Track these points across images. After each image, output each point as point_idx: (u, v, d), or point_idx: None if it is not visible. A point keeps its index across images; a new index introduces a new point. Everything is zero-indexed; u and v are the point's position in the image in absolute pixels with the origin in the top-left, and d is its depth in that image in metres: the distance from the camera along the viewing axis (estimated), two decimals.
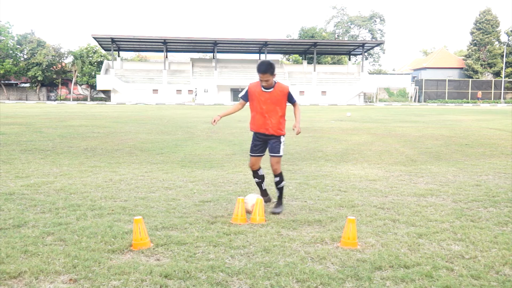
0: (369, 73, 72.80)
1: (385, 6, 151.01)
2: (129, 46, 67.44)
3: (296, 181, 7.09)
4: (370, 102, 65.95)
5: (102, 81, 59.59)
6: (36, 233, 4.34)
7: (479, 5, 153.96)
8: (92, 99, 65.34)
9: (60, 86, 66.30)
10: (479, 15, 71.69)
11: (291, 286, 3.27)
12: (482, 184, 6.90)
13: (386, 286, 3.28)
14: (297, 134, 5.37)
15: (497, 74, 71.35)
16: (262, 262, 3.70)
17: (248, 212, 5.00)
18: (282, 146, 5.38)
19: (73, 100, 63.86)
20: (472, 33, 72.38)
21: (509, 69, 70.01)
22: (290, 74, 65.31)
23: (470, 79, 69.34)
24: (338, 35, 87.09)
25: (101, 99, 65.07)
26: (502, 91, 67.25)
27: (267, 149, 5.46)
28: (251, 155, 5.50)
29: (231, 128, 16.86)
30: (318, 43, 64.15)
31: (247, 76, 63.38)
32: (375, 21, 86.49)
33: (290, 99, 5.32)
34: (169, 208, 5.40)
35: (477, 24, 71.42)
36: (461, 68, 73.93)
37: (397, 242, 4.21)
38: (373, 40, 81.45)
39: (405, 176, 7.62)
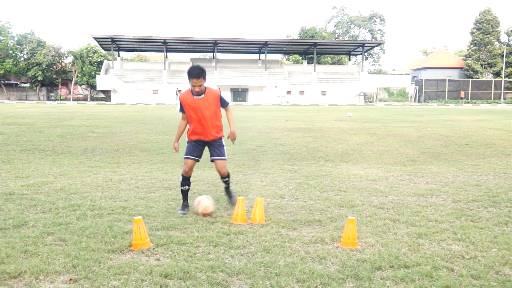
0: (369, 73, 72.80)
1: (385, 6, 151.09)
2: (129, 46, 67.44)
3: (296, 181, 7.09)
4: (370, 102, 65.94)
5: (102, 81, 59.59)
6: (36, 233, 4.34)
7: (479, 5, 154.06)
8: (92, 99, 65.34)
9: (60, 86, 66.30)
10: (479, 15, 71.70)
11: (291, 286, 3.27)
12: (482, 184, 6.90)
13: (386, 286, 3.28)
14: (233, 140, 5.36)
15: (497, 74, 71.36)
16: (262, 262, 3.70)
17: (206, 215, 4.95)
18: (225, 148, 5.35)
19: (73, 100, 63.87)
20: (472, 33, 72.40)
21: (509, 69, 70.01)
22: (290, 74, 65.30)
23: (470, 79, 69.33)
24: (338, 35, 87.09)
25: (101, 99, 65.08)
26: (502, 91, 67.25)
27: (210, 155, 5.33)
28: (188, 158, 5.20)
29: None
30: (318, 43, 64.15)
31: (247, 76, 63.41)
32: (375, 21, 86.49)
33: (222, 103, 5.21)
34: (169, 208, 5.40)
35: (477, 24, 71.44)
36: (461, 68, 73.94)
37: (397, 242, 4.21)
38: (373, 40, 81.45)
39: (405, 176, 7.62)
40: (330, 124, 20.06)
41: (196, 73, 4.90)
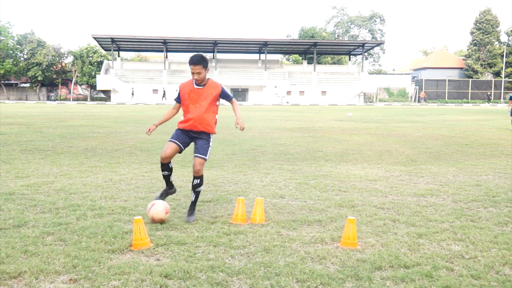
0: (369, 73, 72.80)
1: (385, 6, 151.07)
2: (129, 46, 67.44)
3: (296, 181, 7.09)
4: (370, 102, 65.94)
5: (102, 81, 59.59)
6: (36, 233, 4.33)
7: (479, 5, 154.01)
8: (92, 99, 65.33)
9: (60, 86, 66.30)
10: (479, 15, 71.70)
11: (291, 286, 3.27)
12: (482, 184, 6.90)
13: (386, 286, 3.28)
14: (242, 129, 5.14)
15: (497, 74, 71.35)
16: (262, 262, 3.70)
17: (155, 221, 4.66)
18: (209, 149, 5.13)
19: (73, 100, 63.85)
20: (472, 33, 72.40)
21: (509, 69, 70.00)
22: (290, 74, 65.30)
23: (470, 79, 69.34)
24: (338, 35, 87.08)
25: (101, 99, 65.07)
26: (502, 91, 67.23)
27: (194, 149, 5.11)
28: (172, 141, 5.02)
29: (231, 128, 16.85)
30: (318, 43, 64.14)
31: (247, 76, 63.41)
32: (375, 21, 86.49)
33: (226, 97, 5.12)
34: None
35: (477, 24, 71.43)
36: (461, 68, 73.94)
37: (397, 242, 4.21)
38: (373, 40, 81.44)
39: (405, 176, 7.62)
40: (330, 124, 20.06)
41: (196, 59, 4.84)
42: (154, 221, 4.69)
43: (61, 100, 64.32)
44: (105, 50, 66.71)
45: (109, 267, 3.55)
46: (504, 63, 69.07)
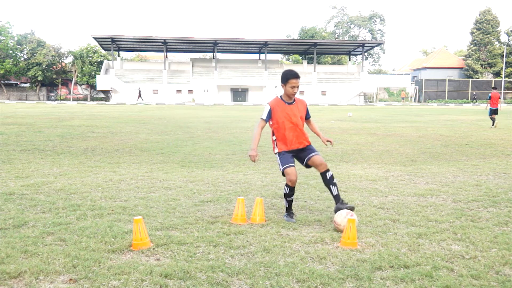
0: (369, 73, 72.81)
1: (385, 6, 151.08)
2: (129, 46, 67.45)
3: None
4: (370, 102, 65.94)
5: (102, 81, 59.59)
6: (36, 233, 4.33)
7: (479, 5, 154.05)
8: (92, 99, 65.33)
9: (60, 86, 66.31)
10: (479, 15, 71.70)
11: (291, 286, 3.27)
12: (482, 184, 6.90)
13: (386, 286, 3.27)
14: (332, 143, 5.24)
15: (497, 74, 71.35)
16: (262, 262, 3.70)
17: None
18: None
19: (73, 100, 63.85)
20: (472, 33, 72.40)
21: (509, 69, 70.01)
22: None
23: (470, 79, 69.35)
24: (338, 35, 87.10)
25: (100, 99, 65.06)
26: (502, 91, 67.23)
27: (303, 157, 5.04)
28: (289, 166, 4.84)
29: (231, 128, 16.86)
30: (318, 43, 64.15)
31: (247, 76, 63.42)
32: (375, 21, 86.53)
33: (307, 114, 5.15)
34: (169, 208, 5.40)
35: (477, 24, 71.43)
36: (461, 68, 73.94)
37: (397, 242, 4.21)
38: (373, 40, 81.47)
39: (405, 176, 7.62)
40: (330, 124, 20.06)
41: (295, 73, 4.87)
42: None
43: (61, 100, 64.32)
44: (105, 50, 66.71)
45: (109, 267, 3.55)
46: (504, 63, 69.07)
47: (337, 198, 4.90)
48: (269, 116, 4.96)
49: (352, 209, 4.71)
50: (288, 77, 4.85)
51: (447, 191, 6.44)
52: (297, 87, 4.90)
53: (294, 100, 5.03)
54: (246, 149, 11.06)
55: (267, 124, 5.07)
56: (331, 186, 4.91)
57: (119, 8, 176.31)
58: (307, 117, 5.18)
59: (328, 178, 4.91)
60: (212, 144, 12.14)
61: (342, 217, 4.46)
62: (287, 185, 4.91)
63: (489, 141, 13.17)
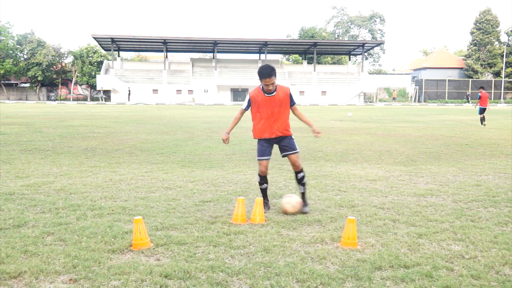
0: (369, 73, 72.79)
1: (385, 6, 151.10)
2: (129, 46, 67.42)
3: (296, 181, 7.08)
4: (370, 102, 65.94)
5: (102, 81, 59.57)
6: (36, 233, 4.34)
7: (479, 5, 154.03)
8: (92, 99, 65.33)
9: (60, 86, 66.28)
10: (479, 15, 71.67)
11: (291, 286, 3.27)
12: (482, 184, 6.90)
13: (386, 286, 3.28)
14: (319, 134, 5.52)
15: (497, 74, 71.34)
16: (262, 262, 3.70)
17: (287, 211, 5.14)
18: (295, 142, 5.43)
19: (73, 100, 63.84)
20: (472, 33, 72.37)
21: (509, 69, 69.99)
22: (290, 74, 65.29)
23: (470, 79, 69.32)
24: (338, 35, 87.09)
25: (97, 99, 65.04)
26: (502, 91, 67.24)
27: (280, 151, 5.43)
28: (262, 159, 5.32)
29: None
30: (318, 43, 64.14)
31: (247, 76, 63.37)
32: (375, 21, 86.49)
33: (291, 101, 5.34)
34: (169, 208, 5.40)
35: (477, 24, 71.40)
36: (461, 68, 73.92)
37: (397, 242, 4.21)
38: (373, 40, 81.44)
39: (405, 176, 7.62)
40: (330, 124, 20.06)
41: (267, 72, 5.03)
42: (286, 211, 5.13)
43: (61, 100, 64.30)
44: (105, 50, 66.69)
45: (109, 267, 3.55)
46: (504, 63, 69.04)
47: (301, 196, 5.40)
48: (249, 105, 5.33)
49: (304, 213, 5.19)
50: (260, 77, 5.10)
51: (447, 191, 6.45)
52: (271, 84, 5.09)
53: (275, 90, 5.20)
54: (246, 149, 11.07)
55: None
56: (299, 185, 5.43)
57: (119, 8, 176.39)
58: (292, 104, 5.37)
59: (298, 178, 5.39)
60: (212, 144, 12.14)
61: (285, 201, 5.18)
62: (259, 174, 5.43)
63: (489, 141, 13.17)
